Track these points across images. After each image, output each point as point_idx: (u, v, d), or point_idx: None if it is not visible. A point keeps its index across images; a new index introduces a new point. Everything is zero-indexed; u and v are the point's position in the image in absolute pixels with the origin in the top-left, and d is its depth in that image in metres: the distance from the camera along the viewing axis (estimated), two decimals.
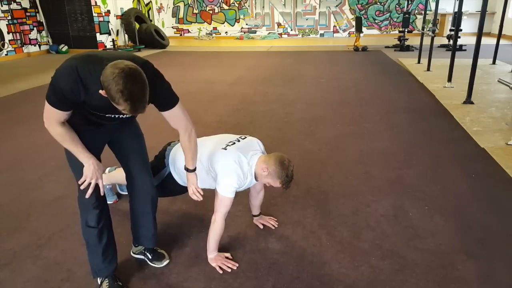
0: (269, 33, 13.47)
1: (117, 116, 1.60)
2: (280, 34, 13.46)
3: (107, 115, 1.58)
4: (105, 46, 10.13)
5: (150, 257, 1.98)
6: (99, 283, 1.81)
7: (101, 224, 1.73)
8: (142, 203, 1.88)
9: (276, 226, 2.27)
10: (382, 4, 12.70)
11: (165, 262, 1.97)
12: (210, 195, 1.93)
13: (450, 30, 9.28)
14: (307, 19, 13.24)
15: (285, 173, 1.86)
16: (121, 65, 1.32)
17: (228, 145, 1.95)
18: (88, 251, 1.79)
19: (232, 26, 13.64)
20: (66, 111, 1.50)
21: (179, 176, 2.07)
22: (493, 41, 7.38)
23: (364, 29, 11.57)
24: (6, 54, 8.93)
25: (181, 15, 13.80)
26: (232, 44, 11.99)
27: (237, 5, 13.38)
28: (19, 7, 9.24)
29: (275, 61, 8.50)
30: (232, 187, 1.85)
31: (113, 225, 2.28)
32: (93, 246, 1.75)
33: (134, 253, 2.02)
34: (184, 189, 2.17)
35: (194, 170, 1.88)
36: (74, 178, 1.71)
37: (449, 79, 5.48)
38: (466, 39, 9.14)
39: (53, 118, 1.52)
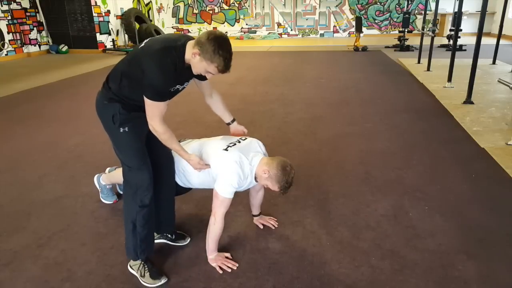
0: (269, 33, 13.47)
1: (182, 87, 1.82)
2: (280, 34, 13.46)
3: (179, 87, 1.78)
4: (105, 46, 10.14)
5: (172, 238, 2.12)
6: (135, 271, 1.87)
7: (153, 203, 1.87)
8: (168, 190, 2.03)
9: (276, 226, 2.27)
10: (382, 4, 12.70)
11: (188, 240, 2.14)
12: (209, 194, 1.93)
13: (450, 30, 9.28)
14: (307, 19, 13.24)
15: (285, 179, 1.86)
16: (215, 32, 1.63)
17: (229, 146, 1.95)
18: (131, 235, 1.84)
19: (232, 26, 13.64)
20: (166, 101, 1.70)
21: (179, 177, 2.07)
22: (493, 41, 7.38)
23: (364, 29, 11.57)
24: (6, 54, 8.93)
25: (181, 15, 13.80)
26: (232, 44, 11.96)
27: (237, 5, 13.38)
28: (19, 7, 9.25)
29: (275, 61, 8.50)
30: (232, 187, 1.85)
31: (114, 226, 2.30)
32: (140, 227, 1.84)
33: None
34: (183, 190, 2.17)
35: (234, 120, 2.15)
36: (119, 160, 1.88)
37: (449, 79, 5.48)
38: (466, 39, 9.14)
39: (159, 116, 1.70)
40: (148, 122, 1.72)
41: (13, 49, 9.13)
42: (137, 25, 10.57)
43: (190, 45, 1.65)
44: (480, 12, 4.49)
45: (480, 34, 4.45)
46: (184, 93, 1.93)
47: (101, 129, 1.85)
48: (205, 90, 2.03)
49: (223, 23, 13.65)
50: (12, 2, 9.06)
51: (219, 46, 1.58)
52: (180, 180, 2.08)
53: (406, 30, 9.87)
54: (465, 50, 8.69)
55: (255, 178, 1.94)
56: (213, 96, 2.08)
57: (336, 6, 12.93)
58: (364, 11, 12.84)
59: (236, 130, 2.16)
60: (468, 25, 11.05)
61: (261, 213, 2.31)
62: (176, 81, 1.71)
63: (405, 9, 10.84)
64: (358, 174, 2.93)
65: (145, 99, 1.67)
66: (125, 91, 1.73)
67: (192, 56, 1.63)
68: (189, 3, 13.59)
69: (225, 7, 13.46)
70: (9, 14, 8.98)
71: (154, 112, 1.69)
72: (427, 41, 7.36)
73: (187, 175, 2.03)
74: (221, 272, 1.89)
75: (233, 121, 2.15)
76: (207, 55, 1.59)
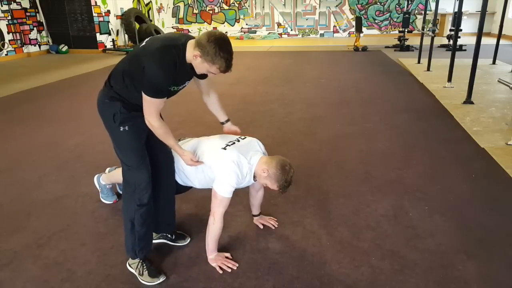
0: (269, 33, 13.47)
1: (183, 86, 1.83)
2: (280, 34, 13.46)
3: (180, 87, 1.81)
4: (105, 46, 10.14)
5: (172, 238, 2.13)
6: (134, 269, 1.88)
7: (151, 202, 1.88)
8: (167, 189, 2.04)
9: (276, 226, 2.27)
10: (382, 4, 12.70)
11: (188, 240, 2.14)
12: (209, 194, 1.92)
13: (450, 30, 9.28)
14: (307, 19, 13.24)
15: (284, 178, 1.86)
16: (215, 33, 1.63)
17: (227, 145, 1.95)
18: (129, 233, 1.87)
19: (232, 26, 13.63)
20: (164, 98, 1.72)
21: (179, 176, 2.07)
22: (493, 41, 7.37)
23: (364, 29, 11.57)
24: (6, 54, 8.93)
25: (181, 15, 13.80)
26: (232, 44, 11.96)
27: (237, 5, 13.38)
28: (19, 7, 9.24)
29: (275, 61, 8.50)
30: (230, 187, 1.85)
31: (114, 226, 2.30)
32: (138, 225, 1.86)
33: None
34: (183, 189, 2.17)
35: (228, 120, 2.14)
36: (119, 160, 1.88)
37: (449, 79, 5.48)
38: (466, 39, 9.13)
39: (156, 112, 1.72)
40: (145, 118, 1.74)
41: (13, 49, 9.13)
42: (137, 25, 10.58)
43: (190, 45, 1.66)
44: (480, 12, 4.49)
45: (480, 34, 4.45)
46: (183, 93, 1.93)
47: (101, 129, 1.85)
48: (203, 88, 2.04)
49: (223, 23, 13.65)
50: (12, 2, 9.06)
51: (219, 47, 1.60)
52: (180, 178, 2.08)
53: (406, 30, 9.86)
54: (465, 50, 8.68)
55: (254, 177, 1.94)
56: (210, 95, 2.09)
57: (336, 6, 12.92)
58: (364, 11, 12.84)
59: (229, 130, 2.16)
60: (468, 25, 11.04)
61: (261, 213, 2.31)
62: (176, 79, 1.72)
63: (405, 9, 10.84)
64: (358, 174, 2.93)
65: (143, 95, 1.68)
66: (128, 90, 1.75)
67: (194, 58, 1.65)
68: (189, 3, 13.59)
69: (225, 7, 13.46)
70: (9, 14, 8.98)
71: (152, 109, 1.71)
72: (427, 41, 7.35)
73: (186, 173, 2.03)
74: (221, 272, 1.89)
75: (227, 121, 2.15)
76: (208, 57, 1.61)
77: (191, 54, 1.65)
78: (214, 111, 2.14)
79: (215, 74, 1.71)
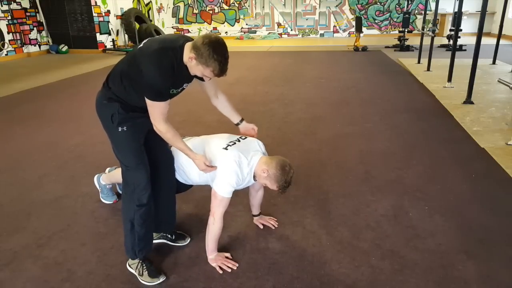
0: (269, 33, 13.47)
1: (182, 88, 1.82)
2: (280, 34, 13.46)
3: (178, 89, 1.80)
4: (105, 46, 10.14)
5: (172, 238, 2.13)
6: (134, 269, 1.88)
7: (151, 202, 1.88)
8: (167, 189, 2.04)
9: (276, 226, 2.27)
10: (382, 4, 12.70)
11: (188, 240, 2.14)
12: (209, 194, 1.92)
13: (450, 30, 9.28)
14: (307, 19, 13.24)
15: (284, 178, 1.86)
16: (211, 36, 1.62)
17: (229, 145, 1.95)
18: (129, 234, 1.87)
19: (232, 26, 13.63)
20: (167, 101, 1.70)
21: (179, 174, 2.07)
22: (493, 41, 7.37)
23: (364, 29, 11.57)
24: (6, 54, 8.93)
25: (181, 15, 13.80)
26: (232, 44, 11.98)
27: (237, 5, 13.38)
28: (19, 7, 9.24)
29: (275, 61, 8.50)
30: (230, 187, 1.85)
31: (114, 226, 2.30)
32: (138, 226, 1.85)
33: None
34: (184, 187, 2.17)
35: (242, 120, 2.12)
36: (118, 161, 1.89)
37: (449, 79, 5.48)
38: (466, 39, 9.14)
39: (160, 116, 1.71)
40: (152, 122, 1.74)
41: (13, 49, 9.13)
42: (137, 25, 10.57)
43: (187, 47, 1.66)
44: (480, 12, 4.49)
45: (480, 34, 4.45)
46: (184, 93, 1.93)
47: (101, 129, 1.85)
48: (209, 91, 2.03)
49: (223, 23, 13.65)
50: (12, 2, 9.06)
51: (213, 50, 1.59)
52: (181, 176, 2.08)
53: (406, 30, 9.86)
54: (465, 50, 8.68)
55: (254, 177, 1.94)
56: (219, 97, 2.06)
57: (336, 6, 12.92)
58: (364, 11, 12.84)
59: (246, 130, 2.13)
60: (468, 25, 11.04)
61: (261, 213, 2.31)
62: (175, 82, 1.72)
63: (405, 9, 10.84)
64: (358, 174, 2.93)
65: (146, 99, 1.68)
66: (126, 92, 1.74)
67: (189, 60, 1.65)
68: (189, 3, 13.59)
69: (225, 7, 13.46)
70: (9, 14, 8.98)
71: (156, 112, 1.71)
72: (427, 41, 7.35)
73: (186, 171, 2.03)
74: (221, 272, 1.89)
75: (241, 121, 2.12)
76: (202, 59, 1.60)
77: (187, 56, 1.65)
78: (226, 113, 2.11)
79: (210, 78, 1.71)
